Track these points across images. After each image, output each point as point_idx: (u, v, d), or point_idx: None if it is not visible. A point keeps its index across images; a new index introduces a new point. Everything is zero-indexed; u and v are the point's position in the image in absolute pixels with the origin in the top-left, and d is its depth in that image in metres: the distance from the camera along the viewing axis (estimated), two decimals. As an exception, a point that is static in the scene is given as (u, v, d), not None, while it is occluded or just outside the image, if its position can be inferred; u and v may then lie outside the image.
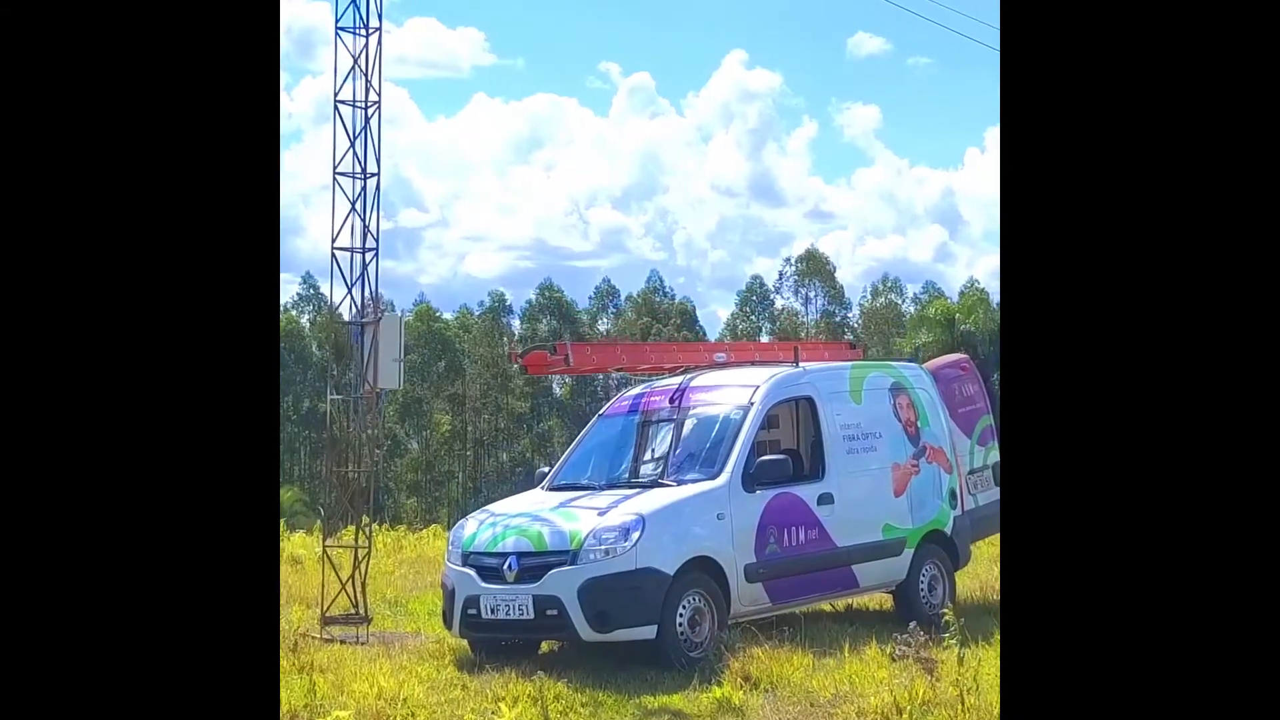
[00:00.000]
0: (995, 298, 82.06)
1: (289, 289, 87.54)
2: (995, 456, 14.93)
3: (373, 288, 13.55)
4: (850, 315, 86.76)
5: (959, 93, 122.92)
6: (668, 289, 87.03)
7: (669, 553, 11.37)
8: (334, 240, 13.45)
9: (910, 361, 15.62)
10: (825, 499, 12.71)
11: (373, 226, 13.32)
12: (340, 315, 13.93)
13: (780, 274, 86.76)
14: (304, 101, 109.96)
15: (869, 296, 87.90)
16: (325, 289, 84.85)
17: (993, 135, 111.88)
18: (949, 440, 14.33)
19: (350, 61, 13.46)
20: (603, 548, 11.23)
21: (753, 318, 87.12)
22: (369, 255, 13.41)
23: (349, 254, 13.37)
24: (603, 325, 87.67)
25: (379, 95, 13.41)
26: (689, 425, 12.78)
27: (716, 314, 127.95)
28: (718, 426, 12.61)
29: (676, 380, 13.48)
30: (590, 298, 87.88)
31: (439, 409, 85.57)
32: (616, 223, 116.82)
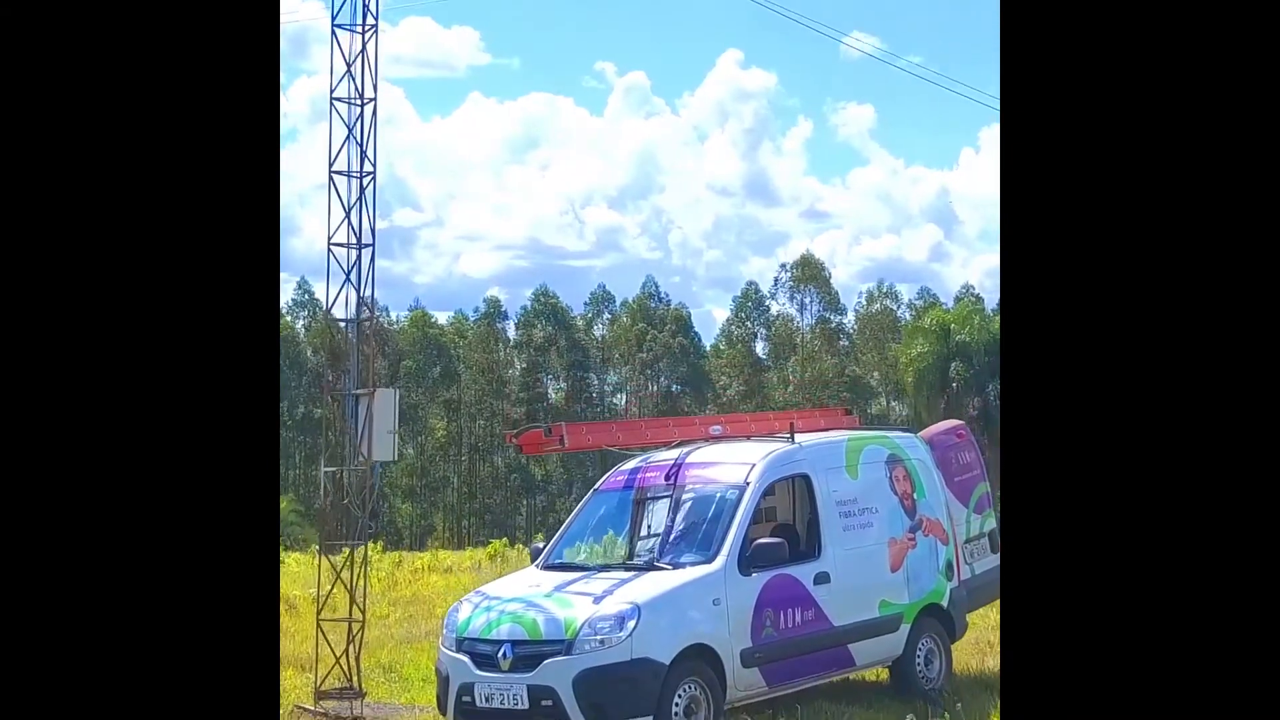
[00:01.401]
0: (989, 302, 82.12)
1: (284, 291, 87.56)
2: (992, 523, 14.87)
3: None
4: (845, 321, 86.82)
5: (953, 92, 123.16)
6: (663, 295, 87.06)
7: (665, 642, 11.30)
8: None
9: (907, 430, 15.48)
10: (821, 578, 12.63)
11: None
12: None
13: (775, 280, 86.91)
14: (299, 101, 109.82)
15: (864, 303, 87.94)
16: (320, 294, 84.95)
17: (987, 135, 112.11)
18: (945, 510, 14.26)
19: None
20: (598, 637, 11.16)
21: (748, 323, 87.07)
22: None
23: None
24: (598, 330, 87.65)
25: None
26: (685, 504, 12.67)
27: (712, 314, 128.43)
28: (714, 507, 12.51)
29: (673, 454, 13.37)
30: (585, 303, 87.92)
31: (434, 414, 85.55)
32: (612, 222, 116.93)
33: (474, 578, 26.03)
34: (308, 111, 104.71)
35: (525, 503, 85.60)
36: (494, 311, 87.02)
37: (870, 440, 14.36)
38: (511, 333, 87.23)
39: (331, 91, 13.27)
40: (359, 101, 13.30)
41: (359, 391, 13.38)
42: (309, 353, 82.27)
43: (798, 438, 13.46)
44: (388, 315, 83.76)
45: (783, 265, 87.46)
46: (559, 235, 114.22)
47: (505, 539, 51.48)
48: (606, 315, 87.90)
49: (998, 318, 67.75)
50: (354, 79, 13.28)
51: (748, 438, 14.01)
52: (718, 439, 13.96)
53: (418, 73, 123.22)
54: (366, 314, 13.51)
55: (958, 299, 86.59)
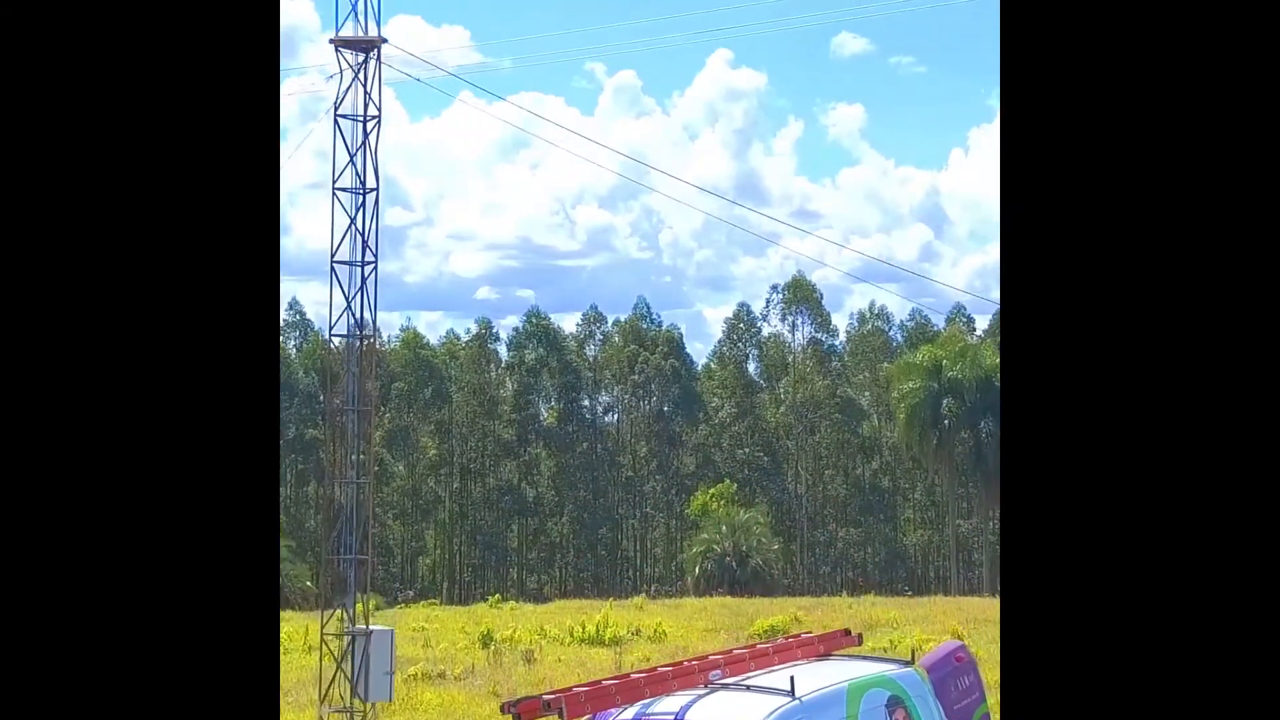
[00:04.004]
0: (981, 318, 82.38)
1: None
2: None
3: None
4: (837, 343, 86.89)
5: (944, 92, 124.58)
6: (655, 316, 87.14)
7: None
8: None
9: (906, 665, 15.33)
10: None
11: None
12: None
13: (767, 301, 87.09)
14: (288, 100, 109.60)
15: (856, 324, 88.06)
16: (311, 310, 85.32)
17: (976, 135, 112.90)
18: None
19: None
20: None
21: (740, 344, 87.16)
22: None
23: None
24: (590, 351, 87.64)
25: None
26: None
27: (703, 314, 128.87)
28: None
29: (674, 705, 13.06)
30: (578, 324, 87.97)
31: (425, 433, 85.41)
32: (602, 222, 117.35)
33: (467, 694, 25.93)
34: (297, 110, 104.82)
35: (517, 522, 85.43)
36: (485, 333, 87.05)
37: (871, 684, 13.88)
38: (503, 354, 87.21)
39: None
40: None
41: (356, 629, 13.48)
42: (300, 374, 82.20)
43: (797, 685, 13.15)
44: (379, 335, 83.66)
45: (774, 287, 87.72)
46: (549, 235, 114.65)
47: (498, 595, 51.06)
48: (599, 335, 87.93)
49: (986, 347, 68.14)
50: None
51: (747, 687, 13.69)
52: (717, 686, 13.65)
53: (407, 72, 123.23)
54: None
55: (949, 319, 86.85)
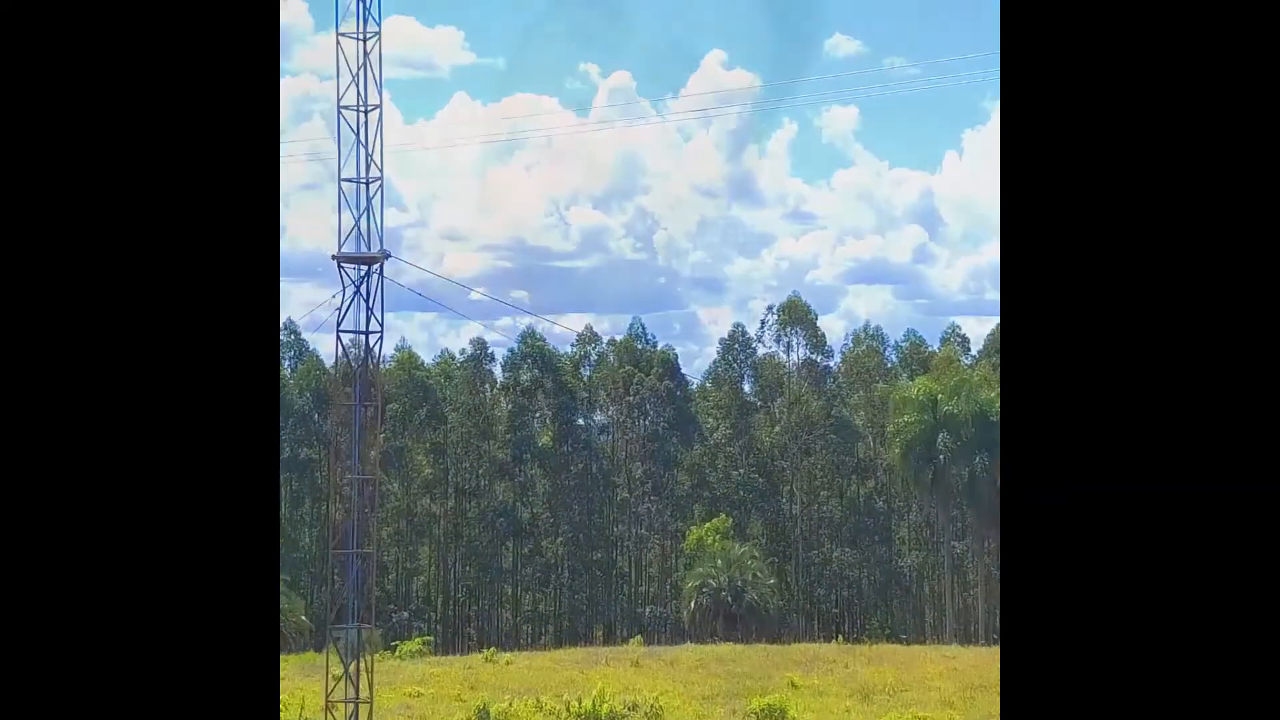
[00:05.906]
0: (974, 318, 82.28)
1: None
2: None
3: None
4: (832, 363, 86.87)
5: (937, 95, 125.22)
6: (650, 336, 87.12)
7: None
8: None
9: None
10: None
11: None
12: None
13: (762, 322, 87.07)
14: (282, 102, 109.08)
15: (850, 344, 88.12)
16: (307, 332, 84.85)
17: (970, 138, 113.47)
18: None
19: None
20: None
21: (735, 365, 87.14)
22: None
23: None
24: (585, 372, 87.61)
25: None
26: None
27: (697, 315, 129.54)
28: None
29: None
30: (572, 344, 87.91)
31: (420, 452, 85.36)
32: (597, 223, 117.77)
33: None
34: (290, 111, 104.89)
35: (512, 542, 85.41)
36: (480, 353, 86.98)
37: None
38: (499, 375, 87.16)
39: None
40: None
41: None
42: (295, 394, 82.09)
43: None
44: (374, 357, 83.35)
45: (769, 308, 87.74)
46: (543, 236, 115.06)
47: (493, 648, 50.86)
48: (594, 356, 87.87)
49: (981, 369, 68.22)
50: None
51: None
52: None
53: (401, 73, 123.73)
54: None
55: (943, 340, 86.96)
